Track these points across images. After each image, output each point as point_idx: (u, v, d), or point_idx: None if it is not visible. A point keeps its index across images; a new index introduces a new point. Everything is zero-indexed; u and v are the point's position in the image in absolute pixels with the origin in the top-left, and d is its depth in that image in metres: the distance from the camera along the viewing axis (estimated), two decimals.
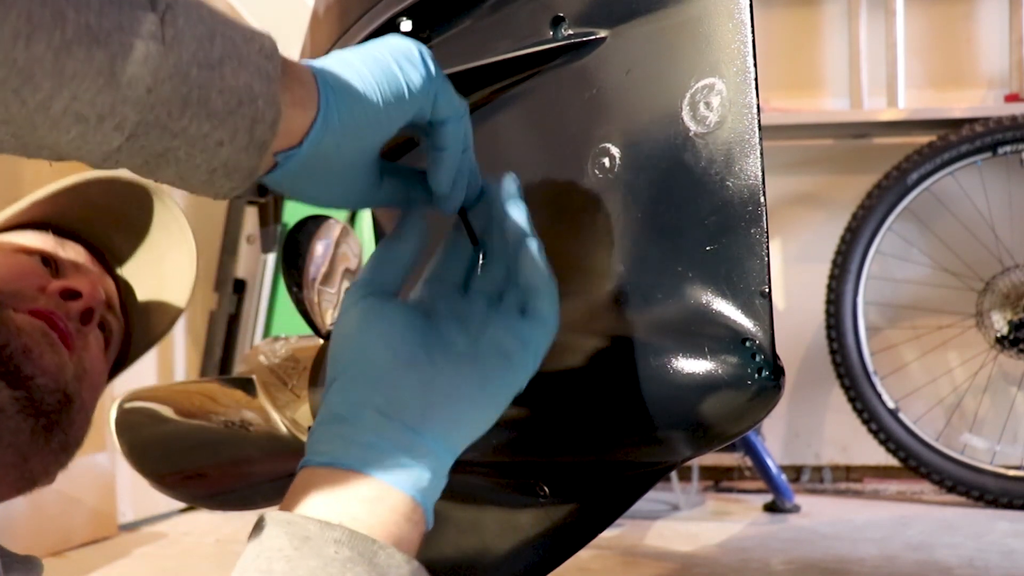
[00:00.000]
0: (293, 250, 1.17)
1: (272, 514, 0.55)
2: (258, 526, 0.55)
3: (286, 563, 0.52)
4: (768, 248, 0.63)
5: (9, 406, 0.73)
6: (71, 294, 0.82)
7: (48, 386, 0.76)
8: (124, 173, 0.88)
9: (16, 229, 0.88)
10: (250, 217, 2.65)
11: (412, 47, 0.60)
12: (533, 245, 0.62)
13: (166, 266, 0.93)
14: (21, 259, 0.83)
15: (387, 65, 0.58)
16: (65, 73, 0.46)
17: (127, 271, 0.93)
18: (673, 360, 0.65)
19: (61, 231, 0.89)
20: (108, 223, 0.91)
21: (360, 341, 0.60)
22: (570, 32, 0.76)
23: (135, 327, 0.93)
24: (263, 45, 0.53)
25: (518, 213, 0.63)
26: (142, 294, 0.93)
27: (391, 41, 0.60)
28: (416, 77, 0.59)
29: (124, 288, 0.92)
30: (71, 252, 0.88)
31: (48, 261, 0.84)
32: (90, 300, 0.82)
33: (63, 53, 0.45)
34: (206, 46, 0.50)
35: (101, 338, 0.86)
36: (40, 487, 0.81)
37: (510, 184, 0.65)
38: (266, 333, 2.72)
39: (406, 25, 0.87)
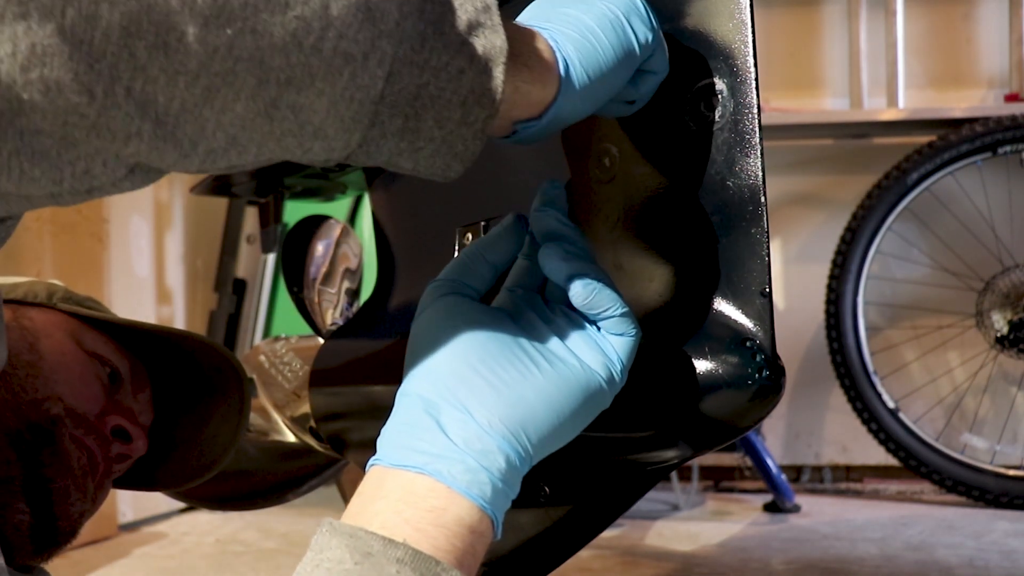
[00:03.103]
0: (293, 250, 1.17)
1: (336, 524, 0.54)
2: (320, 533, 0.54)
3: None
4: (768, 248, 0.63)
5: (25, 529, 0.77)
6: (123, 435, 0.85)
7: (65, 529, 0.80)
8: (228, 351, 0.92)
9: (101, 324, 0.89)
10: (250, 217, 2.65)
11: (639, 5, 0.63)
12: (579, 283, 0.59)
13: (206, 432, 0.94)
14: (92, 369, 0.85)
15: (620, 25, 0.61)
16: (330, 11, 0.49)
17: (170, 418, 0.95)
18: (673, 360, 0.65)
19: (136, 347, 0.91)
20: (182, 370, 0.93)
21: (441, 338, 0.58)
22: None
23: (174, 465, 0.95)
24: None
25: (552, 257, 0.61)
26: (174, 445, 0.95)
27: None
28: (644, 33, 0.62)
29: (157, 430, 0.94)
30: (140, 378, 0.90)
31: (115, 376, 0.87)
32: (134, 451, 0.86)
33: None
34: None
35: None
36: None
37: (545, 220, 0.63)
38: (266, 333, 2.72)
39: None
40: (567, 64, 0.59)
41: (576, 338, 0.60)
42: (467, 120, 0.55)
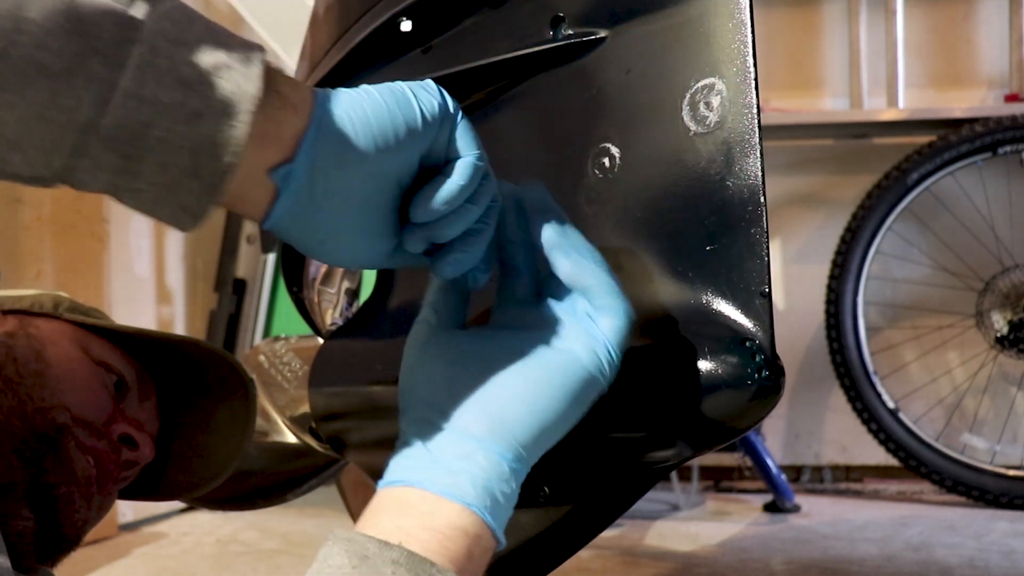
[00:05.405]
0: (293, 250, 1.17)
1: (337, 531, 0.56)
2: (326, 544, 0.56)
3: None
4: (768, 248, 0.63)
5: (29, 536, 0.76)
6: (130, 442, 0.84)
7: (69, 537, 0.79)
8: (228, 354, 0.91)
9: (104, 332, 0.88)
10: None
11: (430, 82, 0.58)
12: (565, 258, 0.60)
13: (211, 442, 0.93)
14: (99, 377, 0.84)
15: (398, 88, 0.56)
16: (25, 13, 0.43)
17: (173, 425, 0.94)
18: (673, 360, 0.65)
19: (141, 355, 0.90)
20: (187, 377, 0.93)
21: (423, 368, 0.60)
22: (570, 32, 0.76)
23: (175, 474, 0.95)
24: (245, 43, 0.51)
25: (545, 230, 0.61)
26: (179, 453, 0.94)
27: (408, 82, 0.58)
28: (431, 103, 0.57)
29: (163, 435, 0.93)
30: (145, 386, 0.89)
31: (121, 384, 0.86)
32: (141, 457, 0.85)
33: None
34: (183, 26, 0.49)
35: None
36: None
37: (535, 194, 0.63)
38: (266, 333, 2.72)
39: (406, 25, 0.87)
40: (323, 95, 0.54)
41: (563, 327, 0.60)
42: (197, 172, 0.49)
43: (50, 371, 0.80)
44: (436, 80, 0.86)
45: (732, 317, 0.64)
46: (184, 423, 0.93)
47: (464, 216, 0.58)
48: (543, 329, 0.60)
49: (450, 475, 0.56)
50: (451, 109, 0.58)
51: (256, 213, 0.54)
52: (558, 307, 0.61)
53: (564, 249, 0.61)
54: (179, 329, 2.54)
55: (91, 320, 0.88)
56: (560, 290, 0.62)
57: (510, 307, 0.63)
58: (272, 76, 0.52)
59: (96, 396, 0.82)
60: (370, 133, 0.54)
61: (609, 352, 0.60)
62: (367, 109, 0.55)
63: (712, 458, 2.78)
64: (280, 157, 0.52)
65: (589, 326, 0.60)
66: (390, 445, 0.60)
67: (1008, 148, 2.51)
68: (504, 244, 0.63)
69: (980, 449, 2.69)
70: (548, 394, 0.58)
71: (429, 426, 0.58)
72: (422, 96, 0.57)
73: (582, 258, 0.60)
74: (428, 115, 0.56)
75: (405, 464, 0.58)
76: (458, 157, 0.58)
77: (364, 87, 0.56)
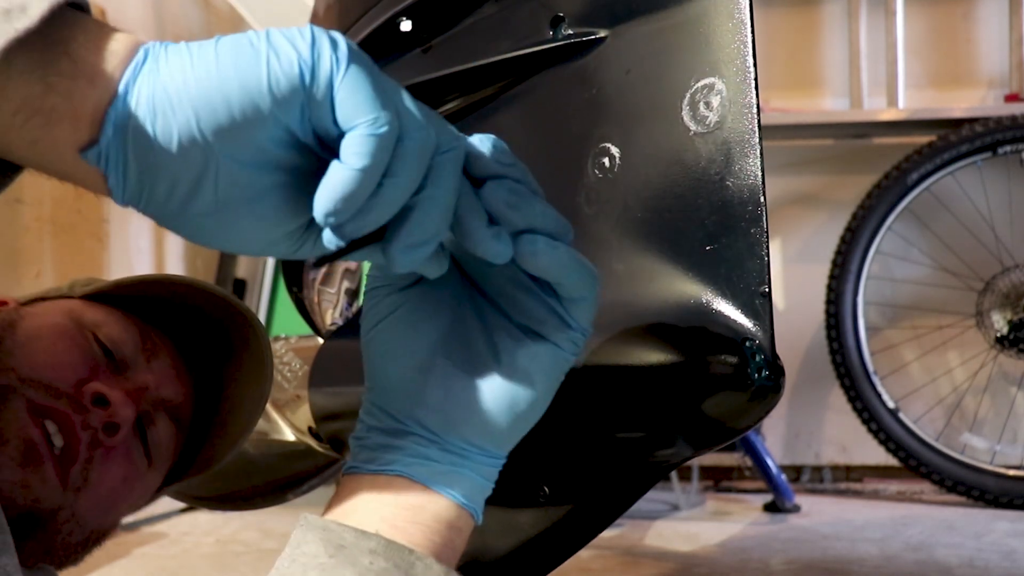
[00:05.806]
0: None
1: (310, 519, 0.54)
2: (297, 528, 0.54)
3: (320, 571, 0.51)
4: (768, 248, 0.63)
5: None
6: (102, 401, 0.77)
7: (7, 505, 0.71)
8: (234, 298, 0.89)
9: (110, 298, 0.85)
10: None
11: (301, 29, 0.46)
12: (534, 240, 0.52)
13: (241, 390, 0.91)
14: (72, 340, 0.79)
15: (245, 44, 0.45)
16: None
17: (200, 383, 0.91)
18: (673, 360, 0.65)
19: (160, 317, 0.87)
20: (205, 330, 0.90)
21: (385, 349, 0.57)
22: (570, 32, 0.76)
23: (214, 439, 0.91)
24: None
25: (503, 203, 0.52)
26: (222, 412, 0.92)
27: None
28: (288, 59, 0.45)
29: (201, 397, 0.90)
30: (154, 344, 0.85)
31: (108, 349, 0.81)
32: (114, 415, 0.77)
33: None
34: None
35: (140, 447, 0.82)
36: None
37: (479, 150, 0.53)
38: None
39: (406, 25, 0.87)
40: (139, 63, 0.45)
41: (537, 311, 0.55)
42: None
43: (10, 339, 0.77)
44: (436, 80, 0.87)
45: (732, 317, 0.64)
46: (225, 381, 0.91)
47: (384, 199, 0.46)
48: (516, 311, 0.56)
49: (442, 472, 0.55)
50: (325, 63, 0.45)
51: (104, 194, 0.47)
52: (528, 284, 0.55)
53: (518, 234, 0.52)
54: None
55: (92, 288, 0.86)
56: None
57: (478, 275, 0.58)
58: (67, 38, 0.44)
59: (61, 358, 0.78)
60: (194, 107, 0.44)
61: (584, 334, 0.57)
62: (195, 74, 0.44)
63: (712, 458, 2.78)
64: (85, 136, 0.44)
65: (557, 310, 0.55)
66: None
67: (1008, 148, 2.51)
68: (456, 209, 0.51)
69: (980, 449, 2.69)
70: (530, 391, 0.56)
71: (410, 419, 0.56)
72: (280, 49, 0.45)
73: (531, 246, 0.52)
74: (282, 77, 0.44)
75: (388, 452, 0.56)
76: (349, 128, 0.45)
77: (205, 44, 0.45)
